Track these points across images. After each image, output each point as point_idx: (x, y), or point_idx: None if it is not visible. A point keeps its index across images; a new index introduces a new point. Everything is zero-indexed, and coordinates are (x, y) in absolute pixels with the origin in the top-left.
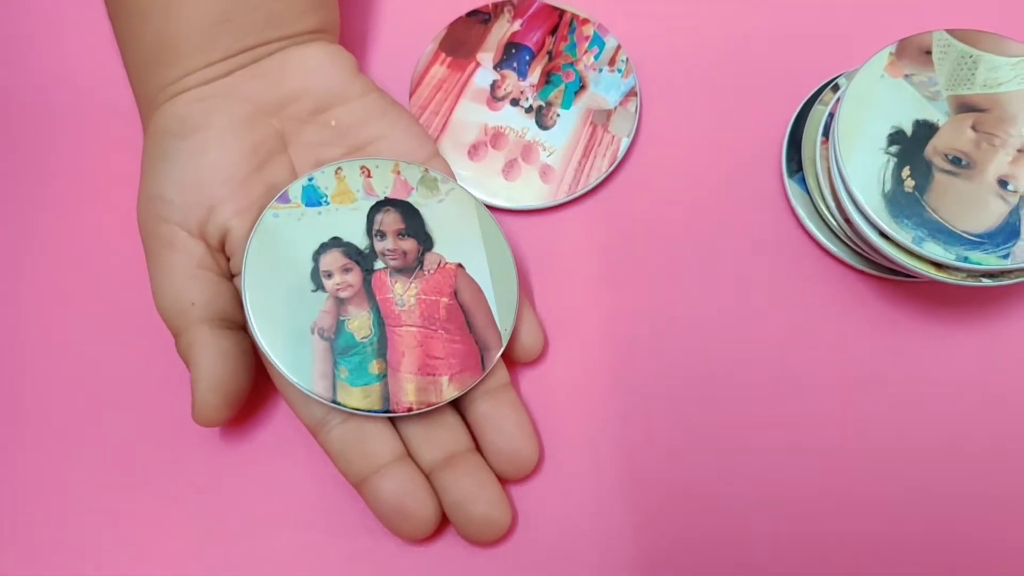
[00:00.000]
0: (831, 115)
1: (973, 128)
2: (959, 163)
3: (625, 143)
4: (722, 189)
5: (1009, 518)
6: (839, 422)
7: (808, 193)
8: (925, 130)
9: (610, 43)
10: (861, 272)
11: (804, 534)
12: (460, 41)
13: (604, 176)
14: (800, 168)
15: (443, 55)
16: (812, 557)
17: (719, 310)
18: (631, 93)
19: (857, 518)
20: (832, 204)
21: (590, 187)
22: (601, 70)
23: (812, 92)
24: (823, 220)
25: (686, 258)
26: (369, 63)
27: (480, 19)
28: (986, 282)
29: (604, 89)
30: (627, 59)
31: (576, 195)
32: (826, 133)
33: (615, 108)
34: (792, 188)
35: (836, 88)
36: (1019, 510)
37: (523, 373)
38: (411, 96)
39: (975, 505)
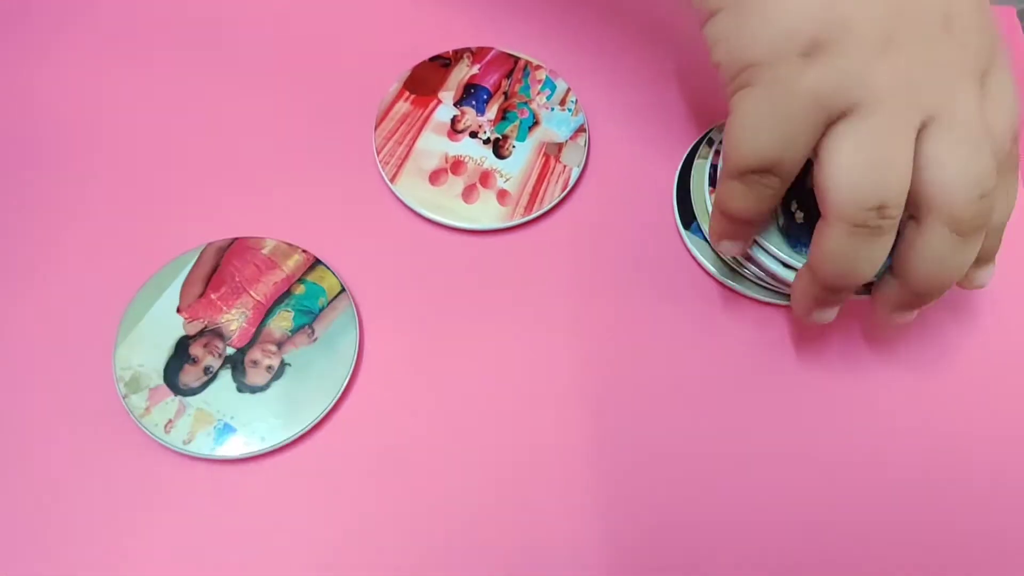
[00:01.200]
0: (714, 167)
1: None
2: None
3: (576, 172)
4: (647, 224)
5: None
6: (764, 451)
7: (706, 241)
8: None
9: (560, 86)
10: (770, 304)
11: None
12: (423, 81)
13: (557, 201)
14: (694, 218)
15: (407, 92)
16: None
17: (635, 346)
18: (580, 129)
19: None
20: None
21: (544, 210)
22: (553, 109)
23: (692, 145)
24: (723, 263)
25: (611, 291)
26: (336, 96)
27: (441, 63)
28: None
29: (556, 125)
30: (576, 100)
31: (531, 217)
32: (712, 183)
33: (566, 141)
34: (690, 239)
35: (711, 142)
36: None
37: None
38: (376, 127)
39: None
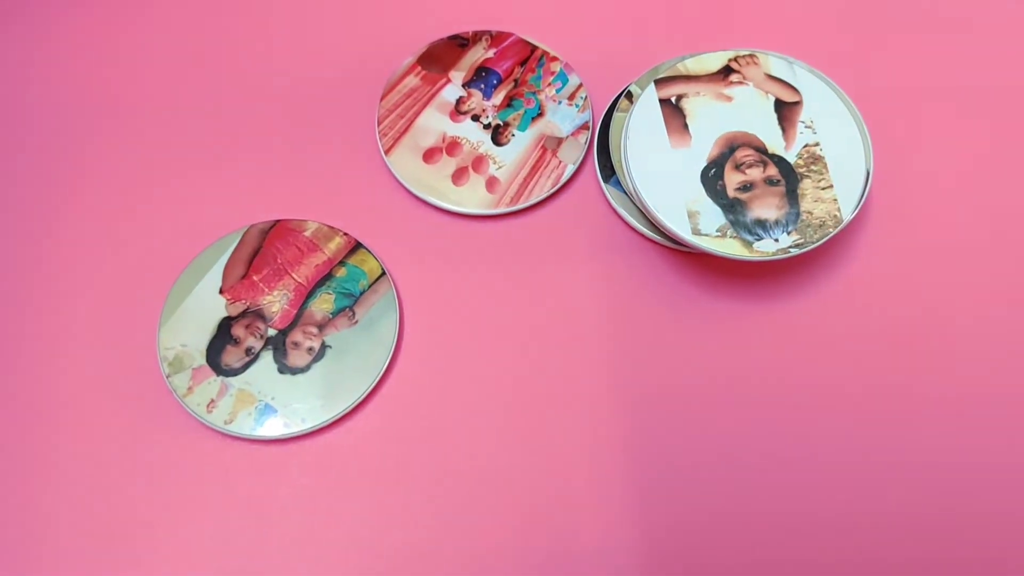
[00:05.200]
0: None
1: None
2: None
3: (570, 169)
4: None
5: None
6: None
7: (625, 194)
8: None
9: (573, 80)
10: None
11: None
12: (437, 58)
13: (546, 196)
14: (613, 172)
15: (419, 68)
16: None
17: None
18: (584, 127)
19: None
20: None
21: (530, 204)
22: (561, 102)
23: (611, 102)
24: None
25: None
26: (347, 64)
27: (458, 42)
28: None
29: (560, 119)
30: (586, 96)
31: (516, 208)
32: None
33: (567, 137)
34: (609, 191)
35: (630, 95)
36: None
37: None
38: (382, 99)
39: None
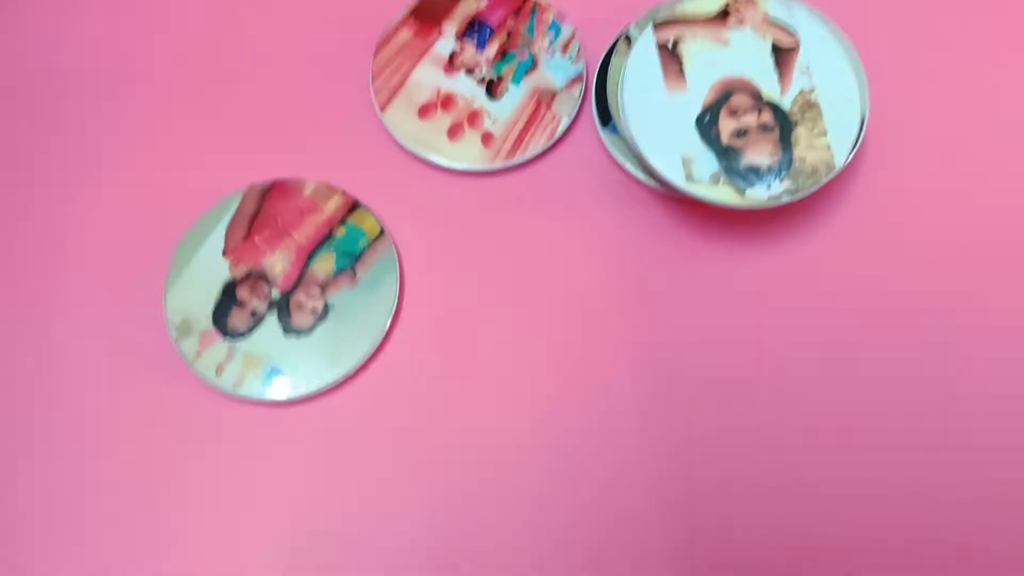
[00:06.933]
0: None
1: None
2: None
3: (565, 123)
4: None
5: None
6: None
7: (621, 138)
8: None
9: (566, 31)
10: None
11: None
12: (429, 11)
13: (541, 151)
14: (611, 117)
15: (412, 20)
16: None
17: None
18: (578, 79)
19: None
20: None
21: (526, 159)
22: (554, 54)
23: (610, 46)
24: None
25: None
26: (337, 19)
27: None
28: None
29: (554, 71)
30: (579, 47)
31: (512, 164)
32: None
33: (561, 90)
34: (605, 136)
35: (628, 40)
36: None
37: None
38: (375, 55)
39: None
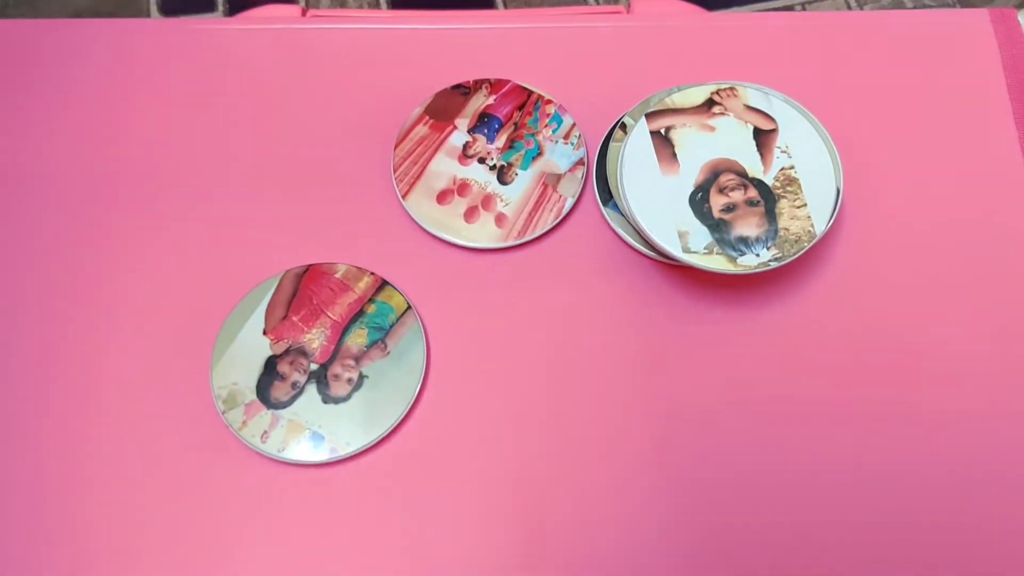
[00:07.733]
0: None
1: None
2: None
3: (570, 202)
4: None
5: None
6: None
7: (621, 215)
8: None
9: (567, 121)
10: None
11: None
12: (443, 107)
13: (549, 228)
14: (611, 195)
15: (427, 117)
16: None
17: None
18: (580, 163)
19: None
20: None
21: (536, 235)
22: (557, 142)
23: (607, 132)
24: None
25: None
26: (361, 116)
27: (461, 91)
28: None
29: (558, 157)
30: (580, 135)
31: (523, 241)
32: None
33: (565, 173)
34: (608, 213)
35: (624, 127)
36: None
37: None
38: (396, 147)
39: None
